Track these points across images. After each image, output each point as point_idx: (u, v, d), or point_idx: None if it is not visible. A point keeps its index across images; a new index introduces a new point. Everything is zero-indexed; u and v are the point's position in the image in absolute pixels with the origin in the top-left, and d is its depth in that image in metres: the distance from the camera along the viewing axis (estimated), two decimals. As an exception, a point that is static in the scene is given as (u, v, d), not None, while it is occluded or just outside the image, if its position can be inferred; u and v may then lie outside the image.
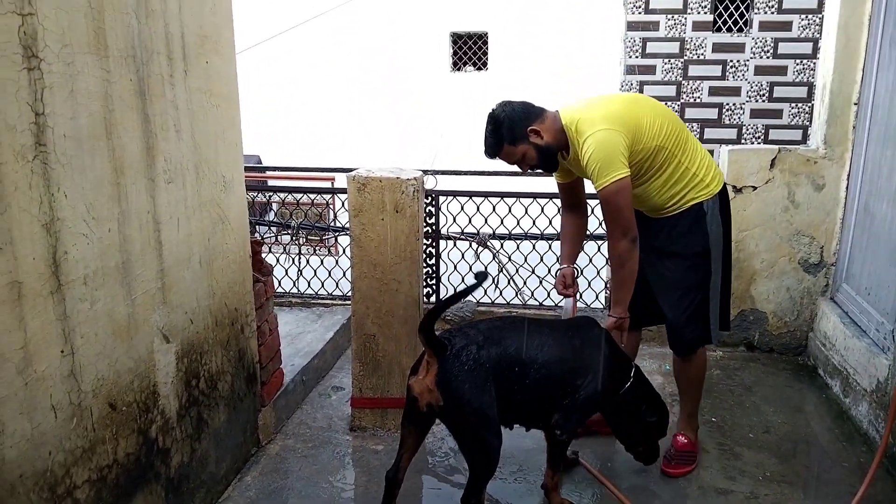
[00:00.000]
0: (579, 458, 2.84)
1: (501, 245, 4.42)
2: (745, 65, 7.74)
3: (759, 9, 7.59)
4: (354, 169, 3.02)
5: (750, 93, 7.79)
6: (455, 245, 4.41)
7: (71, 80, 1.72)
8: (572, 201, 2.93)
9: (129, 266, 2.00)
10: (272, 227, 4.86)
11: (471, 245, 4.40)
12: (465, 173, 4.62)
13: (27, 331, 1.61)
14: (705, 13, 7.66)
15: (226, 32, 2.57)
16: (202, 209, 2.42)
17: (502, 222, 4.32)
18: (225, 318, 2.62)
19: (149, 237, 2.10)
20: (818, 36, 7.32)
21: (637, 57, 7.83)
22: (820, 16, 7.33)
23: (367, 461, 2.93)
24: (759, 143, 7.73)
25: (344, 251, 4.96)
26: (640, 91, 7.77)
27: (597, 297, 4.38)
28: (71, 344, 1.76)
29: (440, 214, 4.29)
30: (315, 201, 4.66)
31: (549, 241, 4.30)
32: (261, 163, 9.93)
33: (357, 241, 2.96)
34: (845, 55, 3.63)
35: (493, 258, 4.41)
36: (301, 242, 4.65)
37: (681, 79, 7.84)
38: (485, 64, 11.29)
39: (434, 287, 4.39)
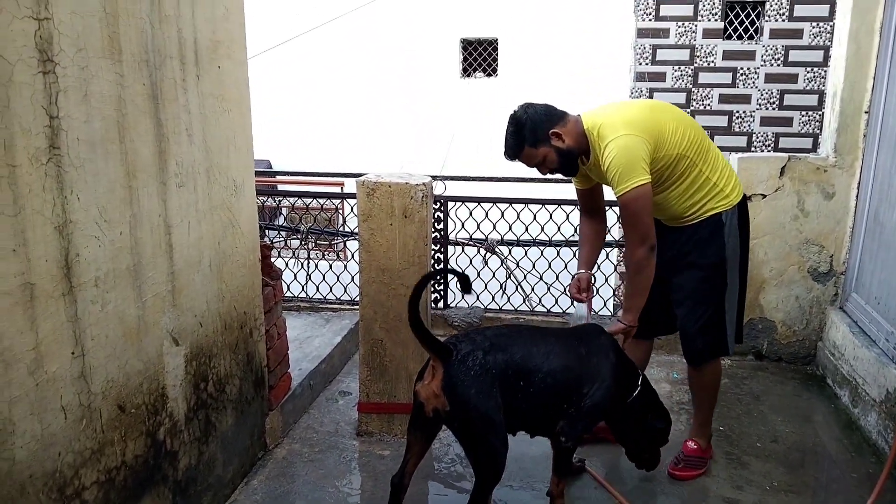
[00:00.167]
0: (585, 466, 2.83)
1: (510, 251, 4.43)
2: (756, 72, 7.72)
3: (769, 16, 7.58)
4: (364, 174, 3.03)
5: (760, 100, 7.77)
6: (463, 251, 4.42)
7: (85, 83, 1.74)
8: (591, 207, 2.91)
9: (140, 269, 2.01)
10: (282, 232, 4.88)
11: (479, 251, 4.40)
12: (474, 179, 4.63)
13: (39, 332, 1.62)
14: (716, 20, 7.64)
15: (238, 38, 2.59)
16: (213, 213, 2.44)
17: (510, 228, 4.33)
18: (234, 321, 2.63)
19: (160, 240, 2.11)
20: (829, 44, 7.29)
21: (647, 64, 7.82)
22: (831, 23, 7.31)
23: (373, 466, 2.93)
24: (769, 151, 7.70)
25: (352, 256, 4.98)
26: (650, 98, 7.76)
27: (605, 305, 4.38)
28: (82, 346, 1.77)
29: (449, 220, 4.30)
30: (324, 206, 4.67)
31: (558, 248, 4.30)
32: (271, 167, 9.98)
33: (366, 245, 2.97)
34: (856, 63, 3.62)
35: (501, 264, 4.42)
36: (310, 247, 4.66)
37: (691, 86, 7.82)
38: (494, 70, 11.31)
39: (442, 293, 4.40)
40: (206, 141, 2.36)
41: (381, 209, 2.92)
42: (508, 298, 4.43)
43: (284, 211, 4.96)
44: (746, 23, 7.70)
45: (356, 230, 3.15)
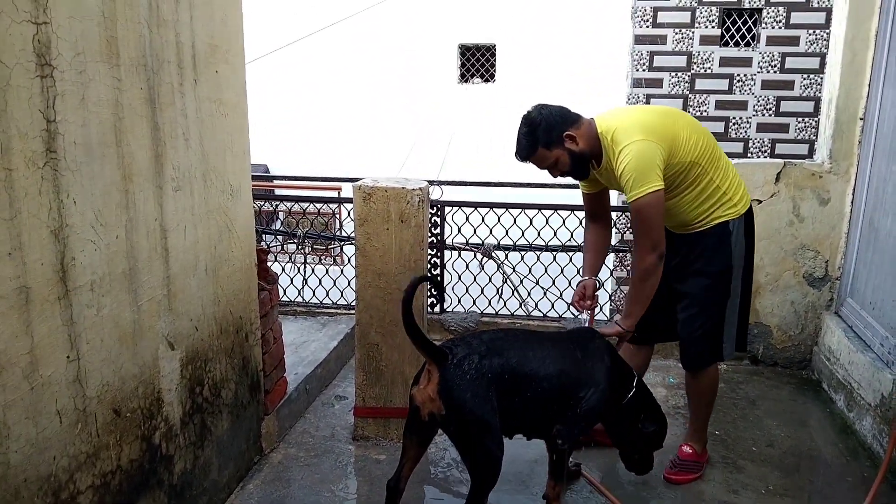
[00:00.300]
0: (581, 470, 2.83)
1: (506, 256, 4.43)
2: (752, 79, 7.73)
3: (766, 23, 7.60)
4: (360, 179, 3.04)
5: (756, 107, 7.78)
6: (460, 255, 4.42)
7: (82, 87, 1.74)
8: (597, 212, 2.89)
9: (136, 273, 2.02)
10: (278, 236, 4.89)
11: (475, 256, 4.41)
12: (471, 184, 4.64)
13: (34, 336, 1.63)
14: (713, 27, 7.66)
15: (236, 42, 2.59)
16: (209, 217, 2.44)
17: (507, 233, 4.33)
18: (230, 325, 2.63)
19: (156, 244, 2.11)
20: (825, 51, 7.31)
21: (644, 70, 7.84)
22: (828, 31, 7.32)
23: (369, 470, 2.93)
24: (765, 157, 7.72)
25: (349, 260, 4.98)
26: (647, 104, 7.78)
27: (601, 310, 4.38)
28: (77, 349, 1.77)
29: (445, 224, 4.30)
30: (321, 210, 4.67)
31: (554, 253, 4.31)
32: (268, 172, 9.97)
33: (362, 250, 2.97)
34: (851, 70, 3.64)
35: (498, 269, 4.42)
36: (307, 251, 4.66)
37: (687, 92, 7.83)
38: (492, 76, 11.33)
39: (438, 297, 4.40)
40: (202, 145, 2.37)
41: (378, 214, 2.92)
42: (505, 303, 4.43)
43: (281, 215, 4.96)
44: (743, 30, 7.72)
45: (353, 234, 3.15)
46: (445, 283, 4.39)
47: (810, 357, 3.95)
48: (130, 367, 2.01)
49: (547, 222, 4.28)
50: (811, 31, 7.51)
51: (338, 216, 5.04)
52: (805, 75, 7.61)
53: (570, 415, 2.38)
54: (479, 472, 2.23)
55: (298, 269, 4.62)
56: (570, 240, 4.28)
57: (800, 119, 7.72)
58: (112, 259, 1.90)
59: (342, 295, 4.58)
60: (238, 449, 2.76)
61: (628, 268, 4.94)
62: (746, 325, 2.82)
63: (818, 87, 7.57)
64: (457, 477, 2.88)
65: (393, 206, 2.91)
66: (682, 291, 2.73)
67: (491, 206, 4.29)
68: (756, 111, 7.78)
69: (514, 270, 4.42)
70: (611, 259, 4.49)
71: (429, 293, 4.27)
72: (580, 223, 4.23)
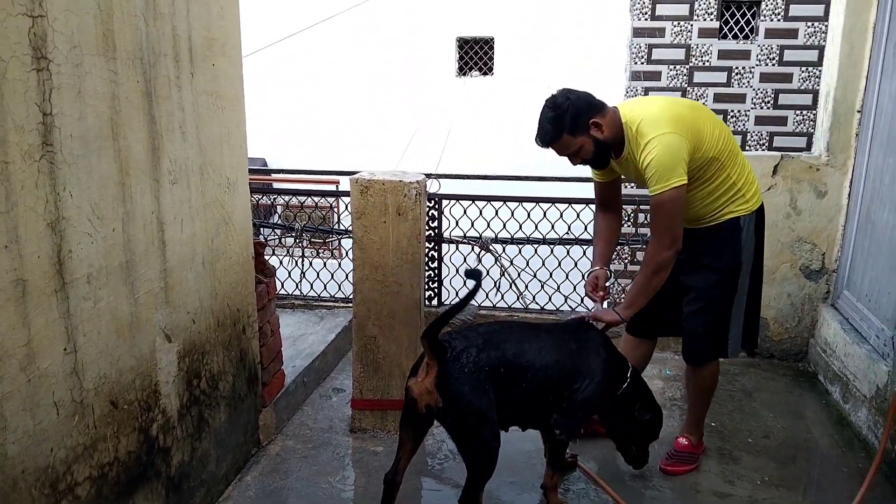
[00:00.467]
0: (578, 462, 2.85)
1: (503, 249, 4.44)
2: (751, 72, 7.73)
3: (765, 16, 7.59)
4: (358, 172, 3.04)
5: (755, 100, 7.78)
6: (457, 248, 4.43)
7: (79, 80, 1.74)
8: (609, 200, 2.85)
9: (133, 265, 2.02)
10: (276, 229, 4.89)
11: (473, 249, 4.41)
12: (469, 177, 4.64)
13: (31, 328, 1.63)
14: (711, 20, 7.66)
15: (233, 36, 2.59)
16: (206, 210, 2.44)
17: (504, 226, 4.34)
18: (227, 318, 2.64)
19: (153, 237, 2.12)
20: (824, 43, 7.31)
21: (643, 63, 7.83)
22: (826, 23, 7.30)
23: (366, 462, 2.94)
24: (763, 150, 7.72)
25: (346, 254, 4.98)
26: (647, 97, 7.77)
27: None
28: (74, 342, 1.78)
29: (443, 218, 4.31)
30: (319, 204, 4.68)
31: (551, 246, 4.31)
32: (266, 165, 9.96)
33: (359, 243, 2.98)
34: (849, 63, 3.64)
35: (495, 262, 4.43)
36: (304, 245, 4.67)
37: (686, 85, 7.83)
38: (490, 69, 11.32)
39: (436, 290, 4.41)
40: (199, 138, 2.37)
41: (375, 207, 2.93)
42: (502, 296, 4.44)
43: (279, 209, 4.96)
44: (742, 22, 7.71)
45: (350, 228, 3.16)
46: (443, 277, 4.40)
47: (806, 349, 3.96)
48: (127, 360, 2.02)
49: (544, 215, 4.28)
50: (810, 24, 7.50)
51: (335, 209, 5.03)
52: (804, 68, 7.60)
53: (566, 406, 2.39)
54: (475, 463, 2.25)
55: (296, 262, 4.63)
56: (567, 233, 4.28)
57: (798, 112, 7.72)
58: (109, 252, 1.91)
59: (340, 288, 4.59)
60: (236, 441, 2.78)
61: (626, 260, 4.95)
62: (758, 323, 2.80)
63: (817, 79, 7.56)
64: (454, 468, 2.89)
65: (390, 199, 2.91)
66: (689, 285, 2.72)
67: (488, 199, 4.29)
68: (754, 104, 7.78)
69: (511, 263, 4.43)
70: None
71: (427, 286, 4.28)
72: (577, 216, 4.24)
